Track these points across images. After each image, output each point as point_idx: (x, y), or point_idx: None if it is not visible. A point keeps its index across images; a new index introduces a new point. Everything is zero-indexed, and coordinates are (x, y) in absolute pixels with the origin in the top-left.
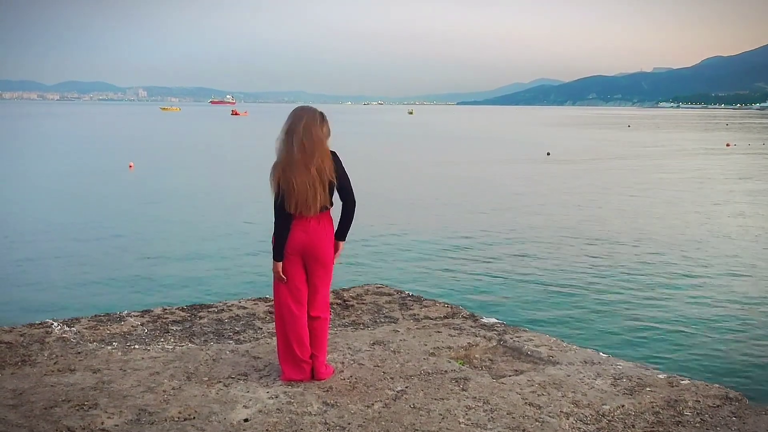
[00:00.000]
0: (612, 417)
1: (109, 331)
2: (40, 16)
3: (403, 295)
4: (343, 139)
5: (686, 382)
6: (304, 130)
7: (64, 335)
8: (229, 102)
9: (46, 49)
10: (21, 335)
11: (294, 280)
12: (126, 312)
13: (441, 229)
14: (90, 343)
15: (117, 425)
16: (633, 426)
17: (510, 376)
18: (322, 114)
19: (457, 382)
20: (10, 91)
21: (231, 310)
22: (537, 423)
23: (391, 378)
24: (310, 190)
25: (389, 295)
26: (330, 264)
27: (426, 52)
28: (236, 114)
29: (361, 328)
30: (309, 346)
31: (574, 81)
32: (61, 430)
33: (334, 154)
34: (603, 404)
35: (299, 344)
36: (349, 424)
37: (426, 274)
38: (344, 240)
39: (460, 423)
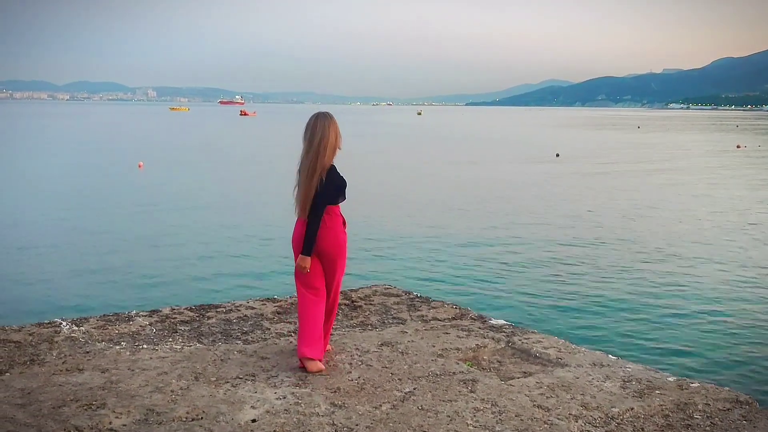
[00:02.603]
0: (621, 420)
1: (118, 330)
2: (51, 17)
3: (411, 296)
4: (351, 140)
5: (696, 385)
6: (313, 139)
7: (73, 335)
8: (238, 102)
9: (57, 50)
10: (30, 334)
11: (310, 274)
12: (134, 312)
13: (449, 230)
14: (98, 342)
15: (125, 425)
16: (642, 429)
17: (518, 378)
18: (332, 121)
19: (465, 383)
20: (21, 90)
21: (239, 310)
22: (545, 425)
23: (399, 379)
24: (304, 197)
25: (397, 296)
26: (339, 258)
27: (435, 53)
28: (245, 114)
29: (369, 329)
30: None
31: (584, 82)
32: (69, 429)
33: (331, 170)
34: (612, 407)
35: (317, 324)
36: (356, 425)
37: (434, 275)
38: (303, 254)
39: (468, 425)
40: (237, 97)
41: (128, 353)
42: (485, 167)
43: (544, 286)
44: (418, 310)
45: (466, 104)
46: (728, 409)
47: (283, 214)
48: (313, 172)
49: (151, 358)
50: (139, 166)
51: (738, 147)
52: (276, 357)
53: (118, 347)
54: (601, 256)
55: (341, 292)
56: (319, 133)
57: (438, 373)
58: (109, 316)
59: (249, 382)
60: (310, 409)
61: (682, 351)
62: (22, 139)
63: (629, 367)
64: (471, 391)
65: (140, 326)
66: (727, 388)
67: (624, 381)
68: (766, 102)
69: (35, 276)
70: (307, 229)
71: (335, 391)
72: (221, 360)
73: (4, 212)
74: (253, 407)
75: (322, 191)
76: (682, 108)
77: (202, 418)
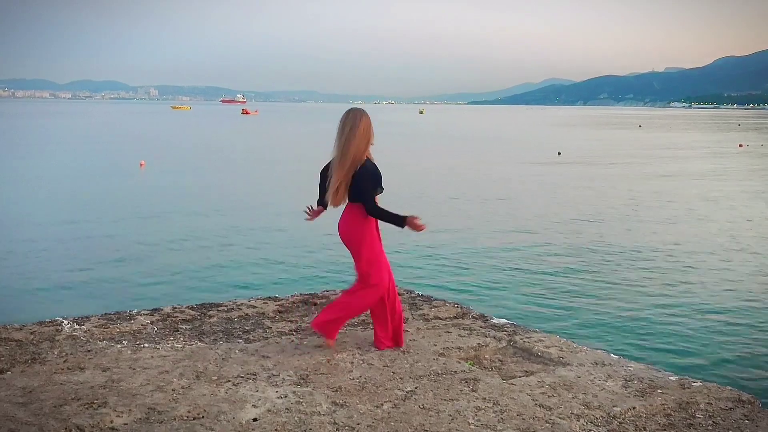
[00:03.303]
0: (623, 419)
1: (119, 329)
2: (53, 16)
3: (412, 295)
4: None
5: (698, 384)
6: (344, 129)
7: (74, 333)
8: (239, 101)
9: (59, 49)
10: (31, 333)
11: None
12: (136, 310)
13: (451, 229)
14: (100, 341)
15: (126, 424)
16: (644, 428)
17: (520, 377)
18: (364, 114)
19: (466, 382)
20: (23, 89)
21: (240, 309)
22: (547, 424)
23: (401, 378)
24: (333, 187)
25: (399, 294)
26: (358, 247)
27: (437, 52)
28: (246, 113)
29: (371, 328)
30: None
31: (585, 81)
32: (71, 428)
33: (366, 162)
34: (614, 406)
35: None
36: (358, 424)
37: (436, 274)
38: (401, 226)
39: (469, 424)
40: (239, 95)
41: (129, 352)
42: (487, 166)
43: (546, 285)
44: (420, 309)
45: (468, 103)
46: (730, 409)
47: (284, 212)
48: (345, 160)
49: (152, 356)
50: (141, 165)
51: (740, 146)
52: (277, 356)
53: (119, 346)
54: (603, 256)
55: (342, 291)
56: (350, 122)
57: (439, 372)
58: (110, 314)
59: (250, 381)
60: (311, 408)
61: (684, 350)
62: (24, 138)
63: (631, 367)
64: (472, 390)
65: (141, 325)
66: (729, 388)
67: (626, 380)
68: None
69: (36, 274)
70: (380, 218)
71: (336, 390)
72: (222, 359)
73: (5, 211)
74: (254, 406)
75: (362, 179)
76: (684, 107)
77: (203, 417)
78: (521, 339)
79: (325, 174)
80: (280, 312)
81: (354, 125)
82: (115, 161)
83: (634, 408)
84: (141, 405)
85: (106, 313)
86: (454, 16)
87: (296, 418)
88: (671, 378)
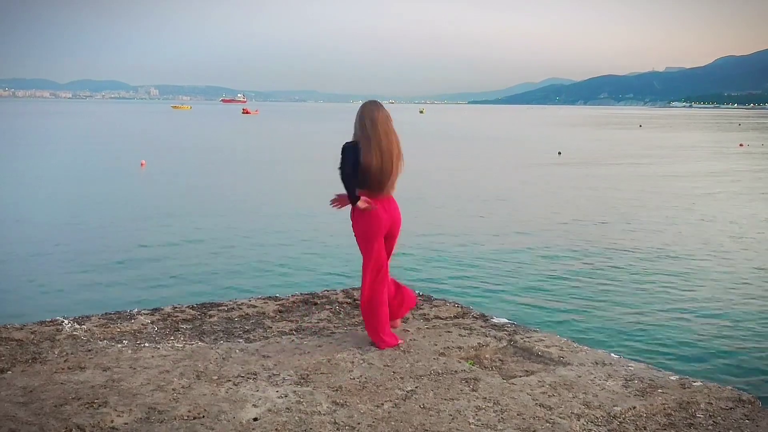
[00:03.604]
0: (623, 419)
1: (120, 329)
2: (53, 15)
3: None
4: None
5: (698, 384)
6: (380, 127)
7: (75, 333)
8: (240, 101)
9: (60, 48)
10: (32, 332)
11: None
12: (136, 310)
13: (451, 229)
14: (100, 341)
15: (126, 423)
16: (644, 428)
17: (520, 376)
18: (382, 109)
19: (467, 382)
20: (24, 89)
21: (241, 308)
22: (547, 424)
23: (401, 378)
24: (395, 178)
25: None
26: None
27: (437, 51)
28: (247, 113)
29: None
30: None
31: (586, 80)
32: (71, 428)
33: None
34: (614, 406)
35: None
36: (358, 423)
37: (436, 273)
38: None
39: (470, 423)
40: (239, 95)
41: (130, 351)
42: (487, 166)
43: (547, 285)
44: (420, 309)
45: (469, 103)
46: (731, 408)
47: (284, 212)
48: (398, 151)
49: (152, 356)
50: (142, 165)
51: (741, 146)
52: (278, 355)
53: (119, 345)
54: (604, 256)
55: (343, 291)
56: (369, 115)
57: (440, 371)
58: (110, 314)
59: (251, 380)
60: (311, 407)
61: (684, 350)
62: (24, 137)
63: (631, 366)
64: (473, 390)
65: (142, 324)
66: (730, 387)
67: (626, 380)
68: None
69: (37, 274)
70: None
71: (337, 390)
72: (223, 358)
73: (6, 210)
74: (254, 406)
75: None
76: (684, 106)
77: (203, 416)
78: (521, 339)
79: (354, 177)
80: (280, 312)
81: (374, 118)
82: (116, 161)
83: (634, 408)
84: (141, 405)
85: (106, 313)
86: (454, 16)
87: (297, 418)
88: (671, 378)
